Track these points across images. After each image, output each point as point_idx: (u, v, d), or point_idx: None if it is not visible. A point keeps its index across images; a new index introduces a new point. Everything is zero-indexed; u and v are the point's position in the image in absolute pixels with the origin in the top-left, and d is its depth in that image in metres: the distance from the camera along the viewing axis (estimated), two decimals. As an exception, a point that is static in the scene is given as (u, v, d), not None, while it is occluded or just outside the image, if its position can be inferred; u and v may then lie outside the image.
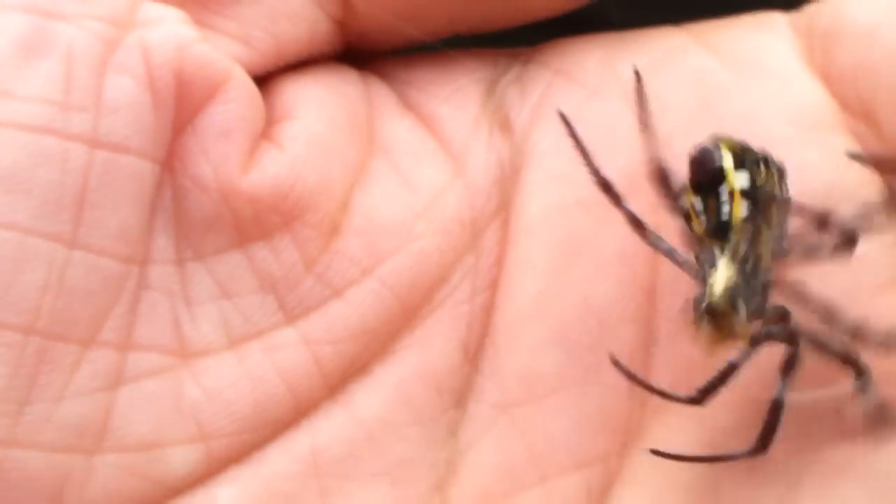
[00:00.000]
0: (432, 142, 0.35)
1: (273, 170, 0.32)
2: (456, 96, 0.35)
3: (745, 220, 0.31)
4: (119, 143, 0.31)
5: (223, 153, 0.32)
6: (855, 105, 0.33)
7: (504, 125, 0.35)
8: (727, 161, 0.31)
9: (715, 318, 0.30)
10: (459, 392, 0.34)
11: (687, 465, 0.32)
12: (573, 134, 0.32)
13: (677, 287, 0.33)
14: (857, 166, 0.32)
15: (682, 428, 0.33)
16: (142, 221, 0.32)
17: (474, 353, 0.34)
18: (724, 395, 0.32)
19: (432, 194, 0.34)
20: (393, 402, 0.33)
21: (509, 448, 0.33)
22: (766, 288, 0.31)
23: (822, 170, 0.32)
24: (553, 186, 0.34)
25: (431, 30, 0.35)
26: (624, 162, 0.34)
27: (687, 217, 0.32)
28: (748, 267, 0.31)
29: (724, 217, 0.31)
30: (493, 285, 0.34)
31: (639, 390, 0.33)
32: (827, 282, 0.32)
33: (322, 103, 0.34)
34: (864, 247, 0.32)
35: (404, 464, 0.33)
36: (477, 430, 0.33)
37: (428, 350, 0.33)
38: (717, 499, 0.32)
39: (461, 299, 0.34)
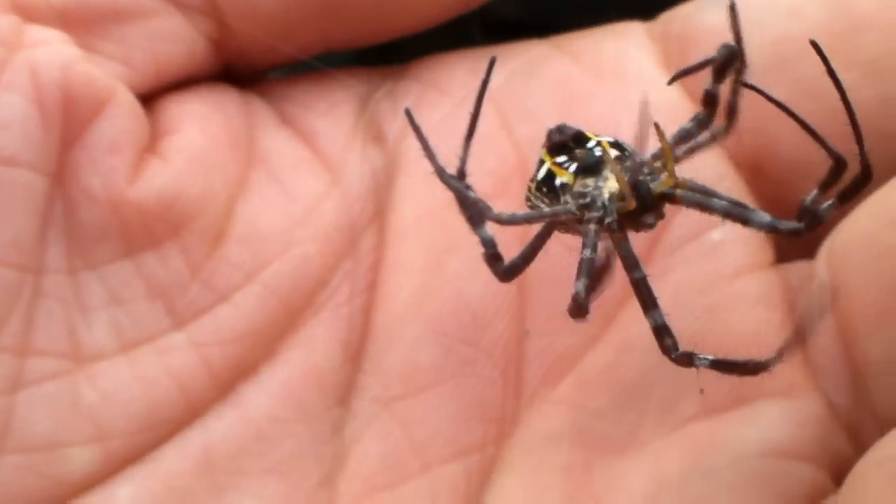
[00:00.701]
0: (310, 154, 0.36)
1: (159, 181, 0.34)
2: (332, 111, 0.37)
3: (617, 158, 0.32)
4: (10, 157, 0.32)
5: (111, 166, 0.33)
6: None
7: (378, 136, 0.36)
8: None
9: (641, 191, 0.32)
10: (343, 389, 0.35)
11: (561, 448, 0.34)
12: (415, 127, 0.33)
13: (546, 281, 0.35)
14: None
15: (556, 414, 0.34)
16: (35, 232, 0.33)
17: (355, 351, 0.35)
18: (598, 383, 0.34)
19: (311, 203, 0.35)
20: (280, 400, 0.34)
21: (392, 440, 0.35)
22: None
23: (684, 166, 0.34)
24: (425, 191, 0.36)
25: (305, 47, 0.37)
26: (493, 164, 0.35)
27: (545, 179, 0.33)
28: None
29: (596, 156, 0.33)
30: (371, 287, 0.35)
31: (513, 380, 0.35)
32: (687, 268, 0.34)
33: (204, 119, 0.35)
34: (720, 235, 0.34)
35: (293, 459, 0.34)
36: (361, 424, 0.35)
37: (311, 350, 0.35)
38: (590, 477, 0.34)
39: (341, 301, 0.35)
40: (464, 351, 0.35)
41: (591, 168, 0.32)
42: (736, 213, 0.31)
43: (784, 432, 0.33)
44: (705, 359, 0.31)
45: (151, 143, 0.35)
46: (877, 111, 0.33)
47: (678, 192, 0.32)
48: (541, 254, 0.34)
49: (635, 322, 0.33)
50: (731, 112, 0.32)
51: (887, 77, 0.34)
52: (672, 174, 0.31)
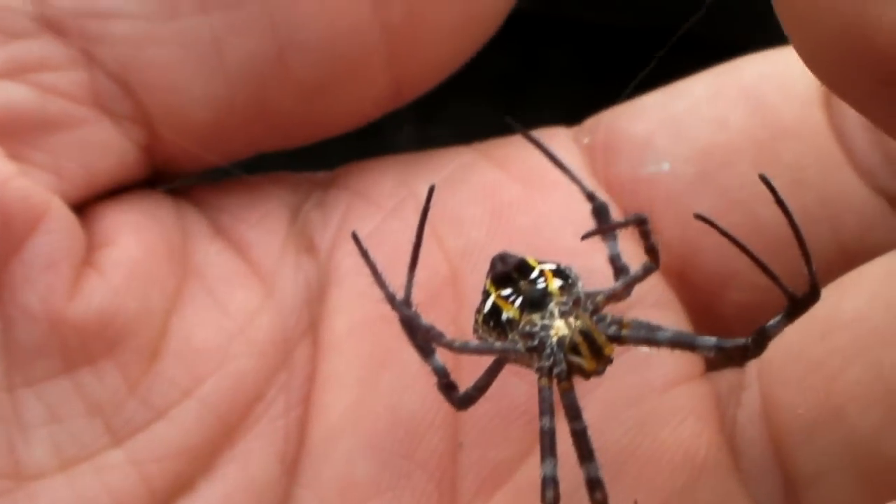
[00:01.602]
0: (243, 266, 0.36)
1: (97, 298, 0.34)
2: (264, 221, 0.37)
3: (561, 288, 0.33)
4: None
5: (48, 283, 0.33)
6: (635, 209, 0.36)
7: (309, 247, 0.37)
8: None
9: (589, 341, 0.32)
10: (280, 503, 0.35)
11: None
12: (364, 254, 0.33)
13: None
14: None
15: None
16: None
17: (292, 464, 0.35)
18: (533, 494, 0.35)
19: (245, 316, 0.36)
20: None
21: None
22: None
23: (608, 274, 0.35)
24: (358, 303, 0.36)
25: (235, 154, 0.37)
26: (425, 276, 0.36)
27: (491, 313, 0.33)
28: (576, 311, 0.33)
29: (540, 289, 0.33)
30: (306, 400, 0.36)
31: (448, 492, 0.35)
32: (616, 381, 0.35)
33: (139, 230, 0.35)
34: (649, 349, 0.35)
35: None
36: None
37: (248, 464, 0.35)
38: None
39: (277, 414, 0.35)
40: (399, 464, 0.35)
41: (536, 303, 0.33)
42: (682, 342, 0.32)
43: None
44: None
45: (87, 256, 0.34)
46: (799, 219, 0.35)
47: (624, 332, 0.33)
48: (475, 369, 0.35)
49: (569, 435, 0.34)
50: (653, 251, 0.33)
51: (809, 185, 0.36)
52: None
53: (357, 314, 0.36)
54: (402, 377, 0.36)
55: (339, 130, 0.38)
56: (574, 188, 0.37)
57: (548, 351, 0.33)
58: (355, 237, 0.33)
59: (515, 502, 0.35)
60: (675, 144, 0.37)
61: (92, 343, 0.34)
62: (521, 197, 0.37)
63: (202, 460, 0.35)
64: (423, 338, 0.33)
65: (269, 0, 0.35)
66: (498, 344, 0.33)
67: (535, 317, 0.33)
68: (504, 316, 0.33)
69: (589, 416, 0.33)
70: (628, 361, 0.36)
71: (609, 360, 0.32)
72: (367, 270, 0.36)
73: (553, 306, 0.33)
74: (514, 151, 0.38)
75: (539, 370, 0.33)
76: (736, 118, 0.37)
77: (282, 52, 0.35)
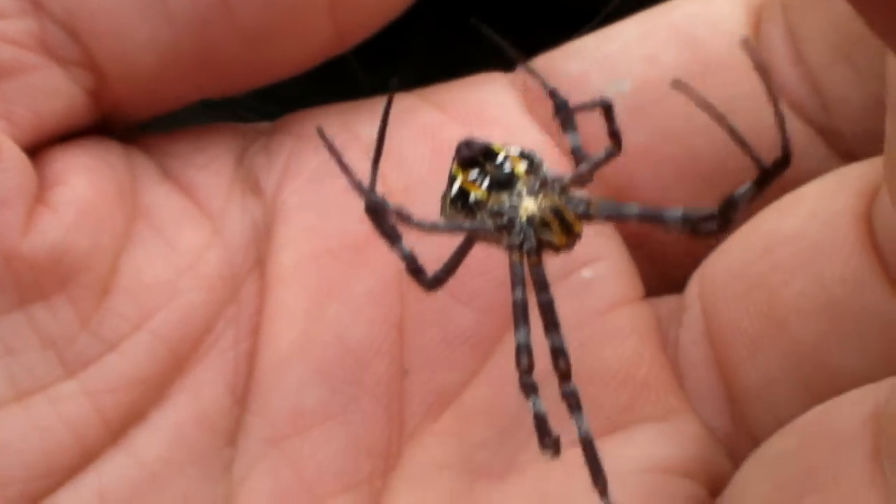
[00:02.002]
0: (191, 206, 0.37)
1: (50, 235, 0.35)
2: (210, 165, 0.38)
3: (527, 170, 0.34)
4: None
5: (3, 220, 0.34)
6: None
7: (255, 188, 0.38)
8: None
9: (559, 218, 0.33)
10: (231, 430, 0.36)
11: (444, 476, 0.35)
12: (330, 146, 0.34)
13: (422, 322, 0.37)
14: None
15: (438, 446, 0.36)
16: None
17: (242, 394, 0.36)
18: (478, 415, 0.36)
19: (193, 253, 0.37)
20: (171, 443, 0.35)
21: (281, 478, 0.36)
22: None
23: None
24: (303, 239, 0.37)
25: (181, 99, 0.38)
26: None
27: (459, 196, 0.35)
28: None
29: (507, 171, 0.34)
30: (255, 332, 0.37)
31: (396, 416, 0.36)
32: (559, 306, 0.36)
33: (90, 171, 0.36)
34: (590, 273, 0.36)
35: (185, 500, 0.35)
36: (249, 464, 0.36)
37: (199, 394, 0.36)
38: (474, 501, 0.35)
39: (226, 346, 0.36)
40: (347, 391, 0.36)
41: (504, 184, 0.34)
42: (650, 215, 0.33)
43: (662, 451, 0.35)
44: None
45: (40, 194, 0.35)
46: (729, 149, 0.36)
47: (592, 210, 0.34)
48: (420, 298, 0.36)
49: (513, 357, 0.35)
50: (615, 136, 0.34)
51: (740, 117, 0.37)
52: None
53: (303, 249, 0.37)
54: (349, 308, 0.37)
55: (283, 76, 0.39)
56: (511, 126, 0.38)
57: (517, 228, 0.34)
58: (320, 132, 0.34)
59: (461, 423, 0.36)
60: (609, 81, 0.38)
61: (45, 278, 0.34)
62: (461, 135, 0.38)
63: (154, 391, 0.35)
64: (393, 220, 0.34)
65: None
66: (467, 223, 0.34)
67: (504, 197, 0.34)
68: (472, 197, 0.34)
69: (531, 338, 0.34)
70: (570, 286, 0.37)
71: (578, 237, 0.33)
72: (313, 208, 0.37)
73: (521, 186, 0.34)
74: (455, 94, 0.39)
75: (509, 247, 0.34)
76: (667, 55, 0.38)
77: None
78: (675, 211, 0.33)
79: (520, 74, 0.40)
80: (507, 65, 0.40)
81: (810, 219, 0.35)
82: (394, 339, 0.37)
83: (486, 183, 0.34)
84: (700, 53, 0.38)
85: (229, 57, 0.37)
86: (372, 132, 0.38)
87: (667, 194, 0.38)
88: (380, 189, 0.34)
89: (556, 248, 0.34)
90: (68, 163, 0.36)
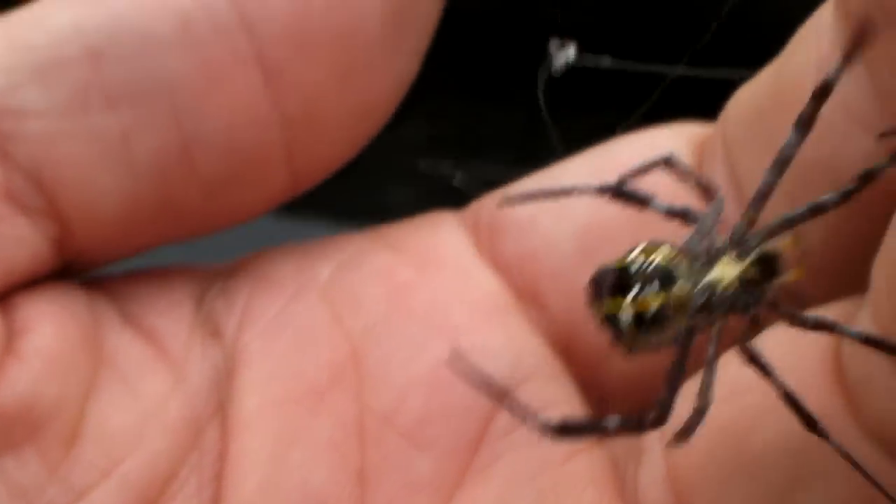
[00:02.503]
0: (153, 352, 0.38)
1: (19, 386, 0.35)
2: (171, 309, 0.38)
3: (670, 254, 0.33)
4: None
5: None
6: (524, 290, 0.39)
7: (215, 332, 0.38)
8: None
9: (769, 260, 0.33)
10: None
11: None
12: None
13: (384, 467, 0.37)
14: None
15: None
16: None
17: None
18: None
19: (157, 400, 0.37)
20: None
21: None
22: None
23: (505, 351, 0.38)
24: (265, 384, 0.38)
25: (143, 245, 0.39)
26: (326, 355, 0.38)
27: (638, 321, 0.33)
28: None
29: (659, 264, 0.33)
30: (218, 478, 0.37)
31: None
32: (517, 453, 0.37)
33: (55, 319, 0.36)
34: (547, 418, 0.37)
35: None
36: None
37: None
38: None
39: (190, 493, 0.37)
40: None
41: (669, 276, 0.33)
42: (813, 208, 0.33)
43: None
44: None
45: (7, 344, 0.36)
46: None
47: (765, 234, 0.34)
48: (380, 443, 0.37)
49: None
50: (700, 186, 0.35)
51: None
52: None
53: (265, 394, 0.38)
54: (311, 453, 0.37)
55: (241, 221, 0.40)
56: (464, 267, 0.39)
57: (720, 300, 0.33)
58: None
59: None
60: (558, 223, 0.39)
61: (14, 429, 0.35)
62: (415, 278, 0.39)
63: None
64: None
65: (173, 97, 0.36)
66: (679, 330, 0.33)
67: (684, 286, 0.33)
68: (651, 310, 0.33)
69: (490, 492, 0.35)
70: (527, 433, 0.38)
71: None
72: (274, 353, 0.38)
73: (686, 267, 0.33)
74: (408, 235, 0.41)
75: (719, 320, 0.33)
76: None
77: (186, 148, 0.37)
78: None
79: (469, 212, 0.41)
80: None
81: (777, 362, 0.35)
82: (355, 485, 0.37)
83: (655, 286, 0.33)
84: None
85: (189, 205, 0.38)
86: (329, 273, 0.39)
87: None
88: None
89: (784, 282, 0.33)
90: (33, 311, 0.36)
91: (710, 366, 0.33)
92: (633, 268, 0.33)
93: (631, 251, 0.33)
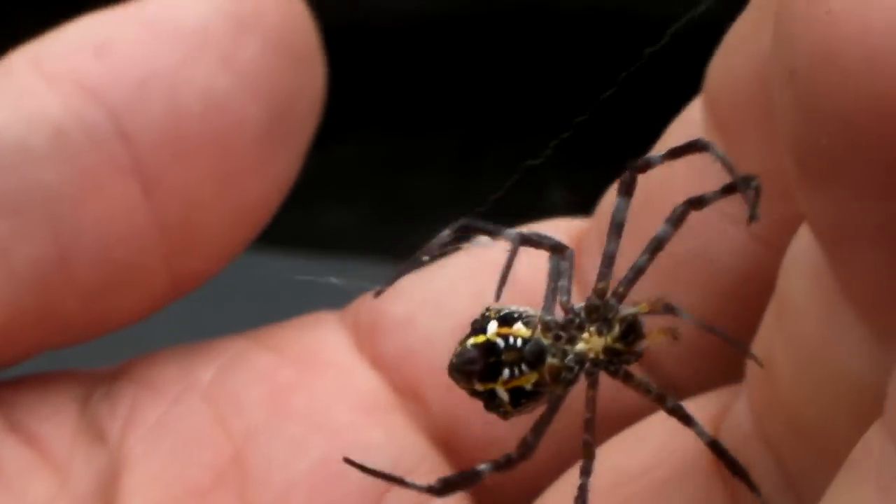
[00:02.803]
0: (38, 458, 0.38)
1: None
2: (55, 414, 0.39)
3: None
4: None
5: None
6: (404, 388, 0.40)
7: (100, 437, 0.39)
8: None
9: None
10: None
11: None
12: None
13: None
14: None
15: None
16: None
17: None
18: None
19: None
20: None
21: None
22: None
23: (387, 448, 0.38)
24: (149, 487, 0.38)
25: (25, 353, 0.39)
26: (210, 456, 0.38)
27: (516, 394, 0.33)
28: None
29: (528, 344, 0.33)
30: None
31: None
32: None
33: None
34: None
35: None
36: None
37: None
38: None
39: None
40: None
41: (539, 354, 0.33)
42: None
43: None
44: None
45: None
46: None
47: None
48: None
49: None
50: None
51: None
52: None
53: (149, 497, 0.38)
54: None
55: (122, 326, 0.40)
56: (345, 367, 0.40)
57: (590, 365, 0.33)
58: None
59: None
60: (435, 321, 0.40)
61: None
62: (297, 378, 0.40)
63: None
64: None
65: (50, 207, 0.37)
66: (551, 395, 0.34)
67: (554, 360, 0.33)
68: (529, 386, 0.33)
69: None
70: None
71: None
72: (158, 457, 0.38)
73: (551, 342, 0.33)
74: (288, 335, 0.41)
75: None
76: (492, 291, 0.40)
77: (64, 258, 0.37)
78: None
79: (349, 312, 0.41)
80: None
81: (659, 452, 0.36)
82: None
83: (524, 368, 0.33)
84: (525, 293, 0.37)
85: (70, 312, 0.38)
86: (211, 376, 0.39)
87: (490, 431, 0.39)
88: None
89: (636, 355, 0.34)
90: None
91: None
92: (500, 349, 0.33)
93: (485, 320, 0.34)
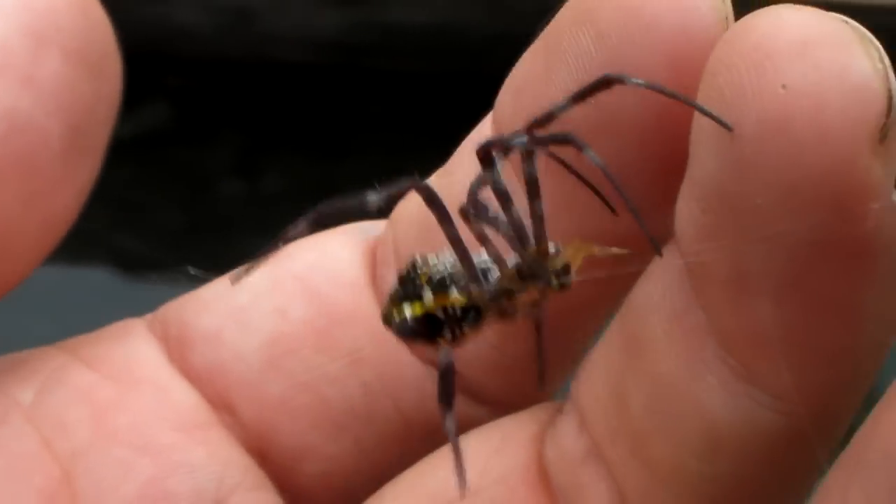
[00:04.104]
0: None
1: None
2: None
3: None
4: None
5: None
6: (217, 402, 0.39)
7: None
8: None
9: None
10: None
11: None
12: None
13: None
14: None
15: None
16: None
17: None
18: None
19: None
20: None
21: None
22: None
23: (211, 465, 0.38)
24: None
25: None
26: (39, 481, 0.37)
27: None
28: None
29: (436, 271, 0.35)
30: None
31: None
32: None
33: None
34: None
35: None
36: None
37: None
38: None
39: None
40: None
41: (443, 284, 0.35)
42: None
43: None
44: None
45: None
46: (360, 398, 0.38)
47: None
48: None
49: None
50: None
51: (367, 364, 0.39)
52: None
53: None
54: None
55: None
56: (160, 382, 0.39)
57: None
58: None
59: None
60: (244, 335, 0.39)
61: None
62: (116, 397, 0.39)
63: None
64: None
65: None
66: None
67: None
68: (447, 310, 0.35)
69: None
70: None
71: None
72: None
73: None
74: (102, 348, 0.40)
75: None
76: (296, 309, 0.40)
77: None
78: None
79: (157, 320, 0.41)
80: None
81: (482, 475, 0.36)
82: None
83: (465, 328, 0.35)
84: (325, 306, 0.40)
85: None
86: (33, 396, 0.38)
87: (303, 440, 0.39)
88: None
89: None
90: None
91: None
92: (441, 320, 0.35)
93: (416, 286, 0.35)
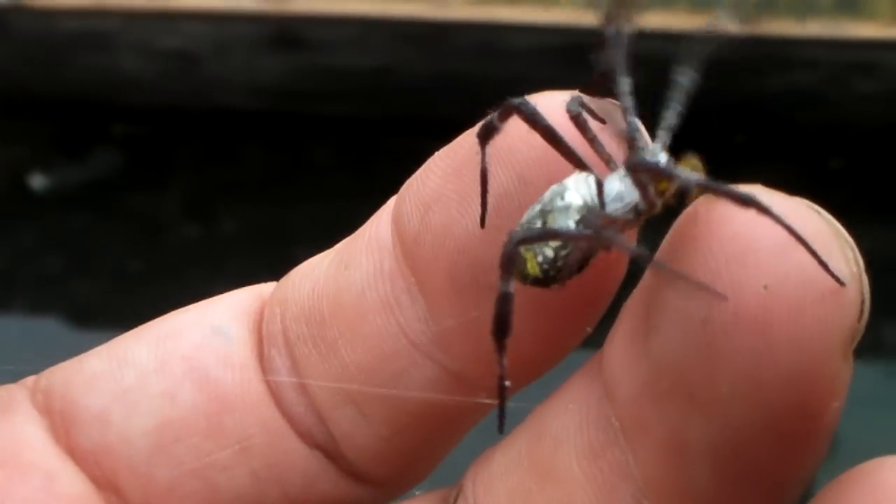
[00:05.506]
0: None
1: None
2: None
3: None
4: None
5: None
6: (104, 482, 0.37)
7: None
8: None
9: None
10: None
11: None
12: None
13: None
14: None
15: None
16: None
17: None
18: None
19: None
20: None
21: None
22: None
23: None
24: None
25: None
26: None
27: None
28: None
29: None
30: None
31: None
32: None
33: None
34: None
35: None
36: None
37: None
38: None
39: None
40: None
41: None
42: None
43: None
44: None
45: None
46: (249, 486, 0.37)
47: None
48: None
49: None
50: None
51: (255, 452, 0.38)
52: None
53: None
54: None
55: None
56: (48, 465, 0.37)
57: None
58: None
59: None
60: (131, 419, 0.38)
61: None
62: (6, 486, 0.37)
63: None
64: None
65: None
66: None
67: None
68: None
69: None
70: None
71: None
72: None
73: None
74: None
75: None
76: (183, 392, 0.38)
77: None
78: None
79: (40, 391, 0.38)
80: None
81: None
82: None
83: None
84: (214, 391, 0.38)
85: None
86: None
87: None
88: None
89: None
90: None
91: None
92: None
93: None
